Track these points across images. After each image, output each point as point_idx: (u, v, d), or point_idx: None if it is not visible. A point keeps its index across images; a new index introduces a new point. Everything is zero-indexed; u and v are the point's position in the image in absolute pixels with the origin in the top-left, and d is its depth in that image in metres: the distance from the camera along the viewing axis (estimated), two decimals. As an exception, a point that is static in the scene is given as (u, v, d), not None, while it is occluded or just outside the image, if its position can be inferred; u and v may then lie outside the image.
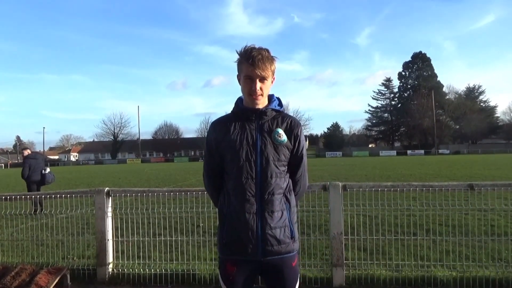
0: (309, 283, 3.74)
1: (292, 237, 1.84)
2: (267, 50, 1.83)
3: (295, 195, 1.95)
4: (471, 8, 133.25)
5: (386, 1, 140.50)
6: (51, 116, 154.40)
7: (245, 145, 1.82)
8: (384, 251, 4.41)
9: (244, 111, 1.88)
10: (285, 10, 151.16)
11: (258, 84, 1.80)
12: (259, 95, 1.82)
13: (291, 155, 1.89)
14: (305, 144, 1.96)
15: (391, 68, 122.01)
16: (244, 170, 1.80)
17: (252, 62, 1.76)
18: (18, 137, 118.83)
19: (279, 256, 1.80)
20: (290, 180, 1.92)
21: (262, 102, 1.87)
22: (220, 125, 1.91)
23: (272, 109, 1.89)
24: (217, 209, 1.97)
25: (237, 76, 1.90)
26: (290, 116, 1.94)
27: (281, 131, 1.85)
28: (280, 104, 1.95)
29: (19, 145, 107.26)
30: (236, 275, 1.83)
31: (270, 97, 1.94)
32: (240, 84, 1.89)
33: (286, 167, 1.89)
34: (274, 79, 1.90)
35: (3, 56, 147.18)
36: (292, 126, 1.89)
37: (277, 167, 1.82)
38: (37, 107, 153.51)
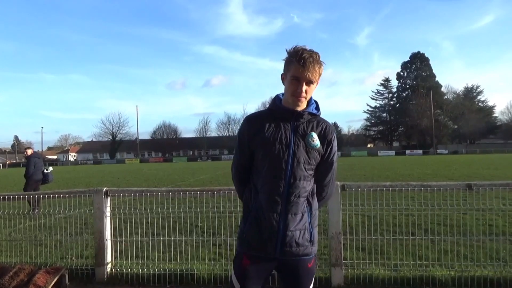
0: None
1: (311, 240, 1.85)
2: (318, 54, 1.80)
3: (320, 200, 1.95)
4: (471, 8, 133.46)
5: (386, 1, 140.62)
6: (49, 116, 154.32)
7: (278, 144, 1.81)
8: (382, 251, 4.42)
9: (282, 110, 1.87)
10: (285, 10, 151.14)
11: (304, 87, 1.79)
12: (302, 97, 1.81)
13: (321, 160, 1.88)
14: (336, 150, 1.94)
15: (390, 68, 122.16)
16: (274, 169, 1.80)
17: (303, 64, 1.74)
18: (16, 137, 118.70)
19: (296, 257, 1.82)
20: (315, 184, 1.91)
21: (302, 105, 1.86)
22: (255, 121, 1.91)
23: (309, 113, 1.87)
24: (242, 203, 1.98)
25: (282, 74, 1.88)
26: (325, 121, 1.92)
27: (315, 135, 1.84)
28: (317, 108, 1.93)
29: (17, 145, 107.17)
30: (250, 269, 1.84)
31: (308, 100, 1.91)
32: (283, 83, 1.88)
33: (314, 171, 1.88)
34: (317, 83, 1.88)
35: (2, 55, 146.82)
36: (327, 131, 1.88)
37: (306, 170, 1.83)
38: (35, 106, 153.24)
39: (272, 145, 1.81)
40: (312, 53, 1.77)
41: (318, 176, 1.92)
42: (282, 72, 1.88)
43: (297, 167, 1.80)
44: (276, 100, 1.93)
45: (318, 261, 4.11)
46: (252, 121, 1.92)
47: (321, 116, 1.95)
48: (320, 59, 1.81)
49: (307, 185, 1.84)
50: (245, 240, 1.87)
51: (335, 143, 1.91)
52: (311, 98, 1.92)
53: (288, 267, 1.85)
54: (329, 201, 3.69)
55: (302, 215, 1.82)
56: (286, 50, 1.83)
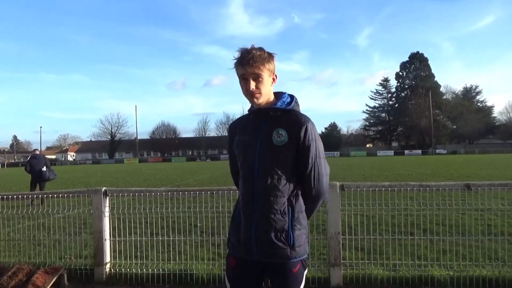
0: (307, 283, 3.74)
1: (291, 243, 1.76)
2: (260, 49, 1.78)
3: (308, 200, 1.86)
4: (471, 9, 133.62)
5: (386, 2, 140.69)
6: (49, 116, 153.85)
7: (246, 146, 1.83)
8: (381, 251, 4.42)
9: (251, 111, 1.90)
10: (285, 10, 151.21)
11: (252, 83, 1.76)
12: (256, 93, 1.78)
13: (298, 156, 1.79)
14: (314, 144, 1.79)
15: (390, 69, 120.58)
16: (245, 170, 1.82)
17: (242, 63, 1.75)
18: (15, 137, 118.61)
19: (276, 260, 1.77)
20: (297, 184, 1.83)
21: (263, 101, 1.82)
22: (233, 126, 2.00)
23: (276, 108, 1.83)
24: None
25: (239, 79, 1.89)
26: (296, 114, 1.83)
27: (282, 131, 1.77)
28: (290, 102, 1.87)
29: (16, 145, 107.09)
30: (237, 270, 1.86)
31: (280, 95, 1.89)
32: None
33: (289, 169, 1.79)
34: (276, 76, 1.85)
35: (2, 55, 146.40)
36: (295, 125, 1.78)
37: (275, 169, 1.76)
38: (35, 106, 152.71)
39: (242, 147, 1.85)
40: (252, 50, 1.76)
41: (300, 174, 1.82)
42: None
43: (263, 167, 1.76)
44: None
45: (317, 261, 4.11)
46: (232, 126, 2.01)
47: (299, 109, 1.88)
48: (265, 53, 1.78)
49: (281, 184, 1.76)
50: (229, 242, 1.91)
51: (308, 136, 1.78)
52: (284, 93, 1.91)
53: (272, 271, 1.81)
54: (328, 201, 3.71)
55: (281, 216, 1.75)
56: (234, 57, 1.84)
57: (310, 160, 1.80)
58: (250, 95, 1.79)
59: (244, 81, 1.79)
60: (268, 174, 1.76)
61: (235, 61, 1.82)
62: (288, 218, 1.77)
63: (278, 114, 1.83)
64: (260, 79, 1.77)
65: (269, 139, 1.78)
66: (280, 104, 1.84)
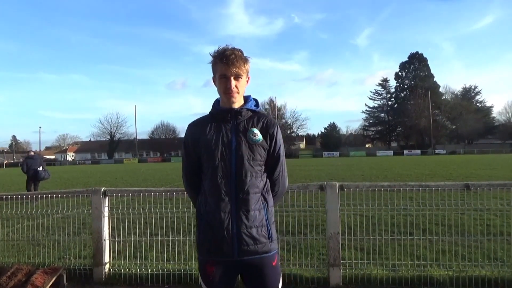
0: (306, 283, 3.75)
1: (269, 236, 1.84)
2: (240, 50, 1.86)
3: (274, 195, 1.96)
4: (471, 9, 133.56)
5: (386, 2, 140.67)
6: (49, 116, 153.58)
7: (220, 145, 1.83)
8: (380, 251, 4.42)
9: (220, 111, 1.90)
10: (285, 11, 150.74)
11: (233, 82, 1.83)
12: (235, 93, 1.85)
13: (268, 155, 1.90)
14: (282, 143, 1.97)
15: (391, 69, 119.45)
16: (219, 169, 1.82)
17: (226, 61, 1.80)
18: (14, 137, 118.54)
19: (257, 256, 1.80)
20: (268, 180, 1.93)
21: (238, 101, 1.90)
22: (197, 126, 1.95)
23: (248, 109, 1.91)
24: (195, 209, 1.97)
25: (213, 78, 1.93)
26: (266, 115, 1.96)
27: (256, 130, 1.86)
28: (256, 104, 1.98)
29: (15, 145, 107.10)
30: (216, 275, 1.83)
31: (247, 98, 1.96)
32: (215, 85, 1.92)
33: (263, 167, 1.90)
34: (249, 78, 1.94)
35: (2, 55, 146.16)
36: (268, 125, 1.90)
37: (252, 166, 1.83)
38: (35, 106, 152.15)
39: (215, 147, 1.84)
40: (234, 50, 1.84)
41: (268, 171, 1.93)
42: (212, 76, 1.93)
43: (241, 165, 1.81)
44: (215, 103, 1.96)
45: (316, 261, 4.12)
46: (194, 127, 1.96)
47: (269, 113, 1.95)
48: (244, 55, 1.87)
49: (257, 181, 1.84)
50: (203, 247, 1.86)
51: (278, 136, 1.93)
52: (249, 96, 1.98)
53: (252, 268, 1.83)
54: (327, 201, 3.72)
55: (259, 211, 1.82)
56: (210, 54, 1.89)
57: (281, 158, 1.96)
58: (228, 93, 1.85)
59: (224, 79, 1.84)
60: (247, 171, 1.82)
61: (214, 58, 1.87)
62: (265, 212, 1.85)
63: (249, 115, 1.91)
64: (240, 79, 1.86)
65: (244, 138, 1.84)
66: (250, 105, 1.94)
